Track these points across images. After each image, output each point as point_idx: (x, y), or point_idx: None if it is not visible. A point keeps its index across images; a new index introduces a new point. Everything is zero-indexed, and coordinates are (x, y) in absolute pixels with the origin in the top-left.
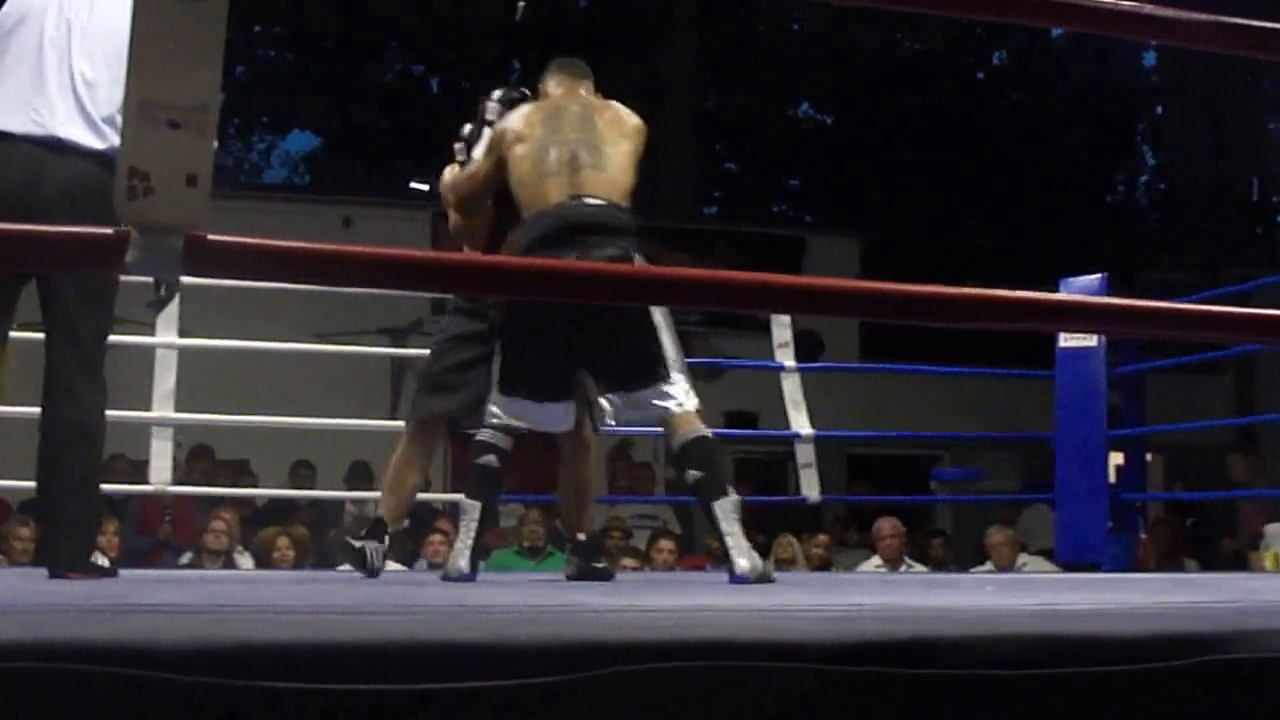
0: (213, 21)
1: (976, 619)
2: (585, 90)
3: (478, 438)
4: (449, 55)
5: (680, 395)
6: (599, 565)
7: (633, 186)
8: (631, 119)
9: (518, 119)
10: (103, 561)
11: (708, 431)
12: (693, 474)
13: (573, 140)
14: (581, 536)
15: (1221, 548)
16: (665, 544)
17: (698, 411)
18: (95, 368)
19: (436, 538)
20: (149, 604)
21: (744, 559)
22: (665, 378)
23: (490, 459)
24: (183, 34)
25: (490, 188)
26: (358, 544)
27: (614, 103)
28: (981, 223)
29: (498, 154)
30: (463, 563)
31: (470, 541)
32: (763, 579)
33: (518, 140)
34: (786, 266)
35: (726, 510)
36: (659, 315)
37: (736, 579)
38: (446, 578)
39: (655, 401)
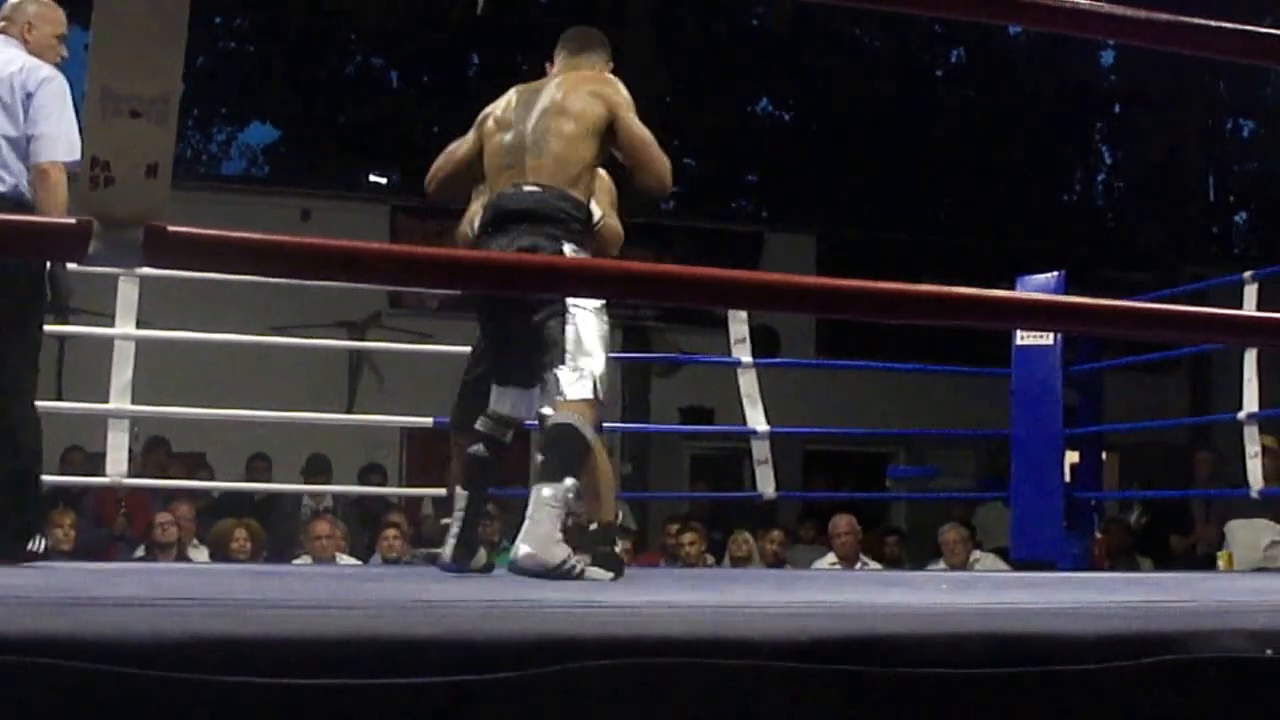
0: (175, 11)
1: (932, 617)
2: (573, 65)
3: (475, 426)
4: (409, 48)
5: (568, 383)
6: (606, 552)
7: (587, 165)
8: (587, 89)
9: (500, 104)
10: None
11: (576, 420)
12: (538, 457)
13: (525, 128)
14: (593, 526)
15: (1171, 545)
16: (620, 540)
17: (588, 401)
18: (21, 378)
19: (391, 532)
20: (108, 597)
21: (527, 545)
22: (556, 366)
23: (478, 448)
24: (144, 24)
25: (467, 164)
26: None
27: (582, 74)
28: (938, 220)
29: (479, 135)
30: (445, 553)
31: (456, 531)
32: (556, 573)
33: (495, 127)
34: (743, 262)
35: (544, 495)
36: (577, 304)
37: (513, 562)
38: (443, 567)
39: (553, 388)
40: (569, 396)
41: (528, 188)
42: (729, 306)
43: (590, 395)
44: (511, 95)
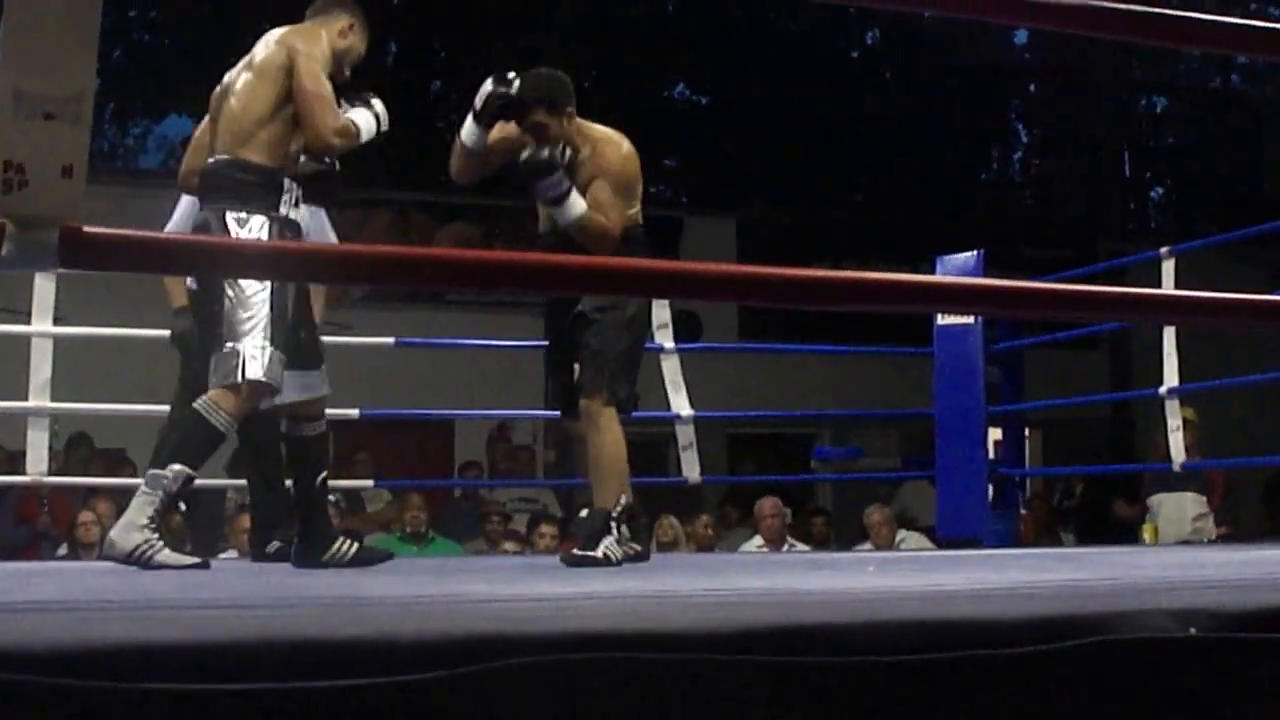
0: (87, 10)
1: (859, 603)
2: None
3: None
4: None
5: (213, 370)
6: (592, 554)
7: (264, 118)
8: (279, 39)
9: None
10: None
11: (202, 405)
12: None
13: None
14: (583, 513)
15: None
16: (546, 528)
17: (231, 387)
18: None
19: None
20: (26, 601)
21: (117, 533)
22: (220, 349)
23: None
24: (57, 23)
25: None
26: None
27: (290, 27)
28: (858, 201)
29: None
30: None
31: (297, 528)
32: (129, 561)
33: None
34: (663, 246)
35: (151, 481)
36: (237, 281)
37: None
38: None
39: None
40: (212, 383)
41: (211, 160)
42: (650, 296)
43: (234, 380)
44: None
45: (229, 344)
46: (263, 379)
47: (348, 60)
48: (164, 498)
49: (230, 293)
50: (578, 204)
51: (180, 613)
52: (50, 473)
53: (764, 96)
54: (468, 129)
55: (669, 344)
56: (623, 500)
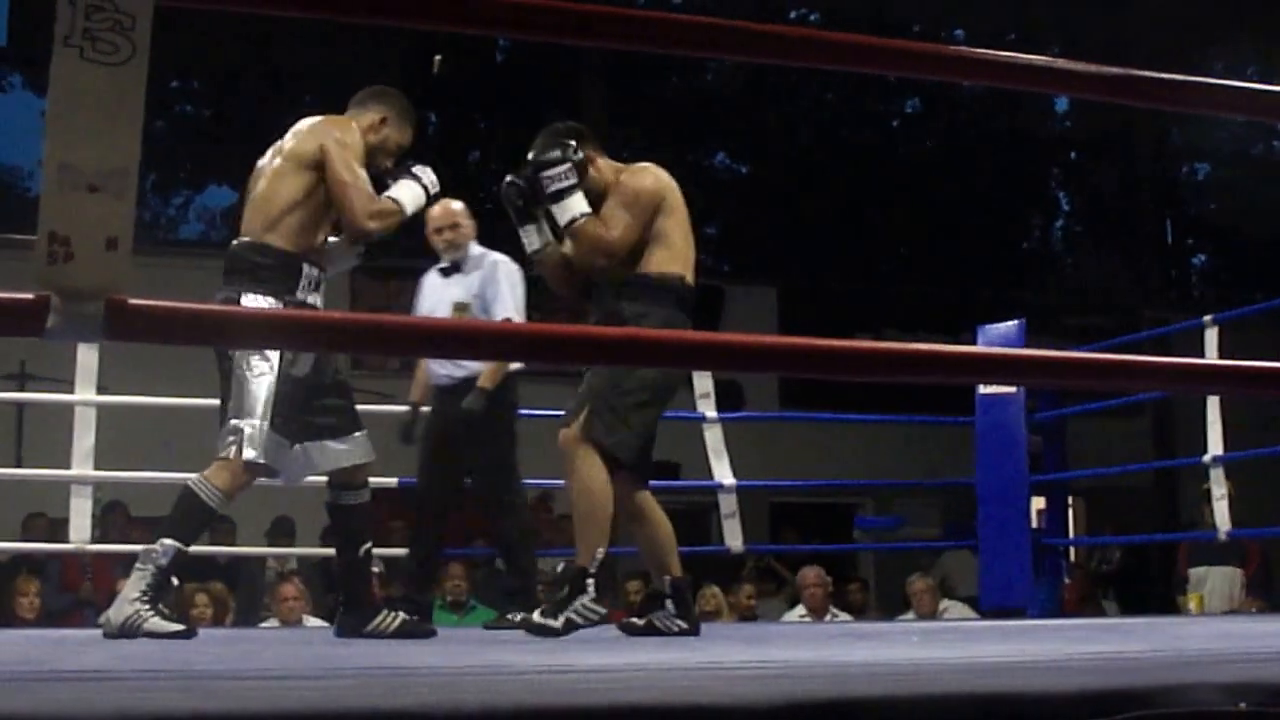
0: (132, 86)
1: (906, 676)
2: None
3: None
4: None
5: (226, 443)
6: (550, 623)
7: (293, 203)
8: (311, 128)
9: None
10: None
11: (194, 481)
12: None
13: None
14: (560, 568)
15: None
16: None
17: (226, 463)
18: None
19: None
20: (73, 670)
21: (113, 610)
22: (224, 422)
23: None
24: (101, 98)
25: None
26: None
27: (323, 117)
28: (899, 269)
29: None
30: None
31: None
32: (120, 633)
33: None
34: (705, 316)
35: (144, 556)
36: (248, 359)
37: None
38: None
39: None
40: (226, 456)
41: (235, 242)
42: (692, 369)
43: (229, 455)
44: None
45: (233, 419)
46: (257, 459)
47: (383, 153)
48: (155, 572)
49: (239, 370)
50: (578, 204)
51: (223, 683)
52: (92, 540)
53: (804, 165)
54: (524, 240)
55: (711, 413)
56: (599, 554)
